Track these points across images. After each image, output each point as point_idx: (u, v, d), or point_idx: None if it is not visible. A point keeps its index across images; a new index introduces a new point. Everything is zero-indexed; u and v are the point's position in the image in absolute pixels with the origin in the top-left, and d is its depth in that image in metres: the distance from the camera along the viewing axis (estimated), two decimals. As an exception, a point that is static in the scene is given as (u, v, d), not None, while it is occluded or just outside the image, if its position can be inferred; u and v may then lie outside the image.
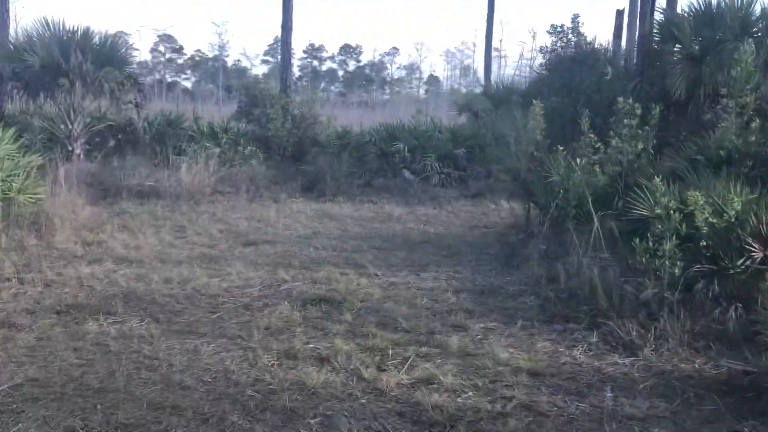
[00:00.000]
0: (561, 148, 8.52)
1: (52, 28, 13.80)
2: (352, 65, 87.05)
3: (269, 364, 4.77)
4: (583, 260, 6.82)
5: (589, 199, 7.44)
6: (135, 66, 15.19)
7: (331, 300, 6.31)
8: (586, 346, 5.31)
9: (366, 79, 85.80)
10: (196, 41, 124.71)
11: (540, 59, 19.11)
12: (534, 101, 10.39)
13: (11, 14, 18.66)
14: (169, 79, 75.53)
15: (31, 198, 9.13)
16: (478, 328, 5.67)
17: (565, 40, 16.04)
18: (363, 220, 10.94)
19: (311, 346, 5.15)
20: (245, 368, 4.70)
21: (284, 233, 9.63)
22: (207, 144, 14.16)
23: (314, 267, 7.61)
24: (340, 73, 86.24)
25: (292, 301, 6.30)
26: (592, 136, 8.59)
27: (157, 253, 8.10)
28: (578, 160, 8.35)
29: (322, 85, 77.64)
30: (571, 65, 16.31)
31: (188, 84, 78.99)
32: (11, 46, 13.86)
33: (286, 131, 14.55)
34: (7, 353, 4.81)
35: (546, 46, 16.37)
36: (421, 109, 21.14)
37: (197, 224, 10.00)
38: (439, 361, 4.93)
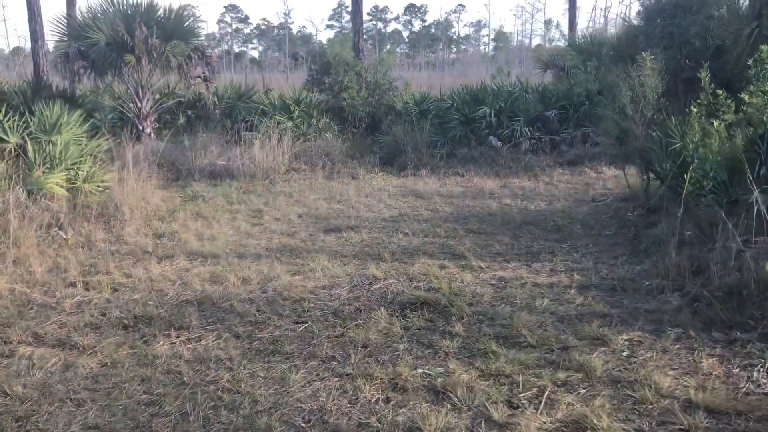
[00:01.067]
0: (693, 108, 7.18)
1: (115, 3, 13.17)
2: (417, 25, 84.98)
3: (373, 400, 3.86)
4: (738, 247, 5.57)
5: (747, 171, 6.12)
6: (203, 38, 14.41)
7: (434, 304, 5.35)
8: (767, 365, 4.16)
9: (432, 38, 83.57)
10: (261, 10, 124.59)
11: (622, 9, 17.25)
12: (644, 54, 9.01)
13: (77, -9, 18.28)
14: (237, 50, 75.75)
15: (99, 187, 8.54)
16: (622, 341, 4.58)
17: (667, -17, 14.25)
18: (452, 196, 9.90)
19: (420, 371, 4.21)
20: (345, 406, 3.81)
21: (368, 216, 8.71)
22: (279, 118, 13.34)
23: (407, 259, 6.66)
24: (405, 34, 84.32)
25: (388, 305, 5.38)
26: (721, 92, 7.20)
27: (233, 245, 7.33)
28: (714, 123, 7.01)
29: (387, 47, 76.00)
30: (673, 11, 14.57)
31: (255, 53, 79.14)
32: (76, 25, 13.33)
33: (362, 100, 13.53)
34: (66, 386, 4.09)
35: (645, -9, 14.65)
36: (502, 67, 19.71)
37: (274, 207, 9.21)
38: (584, 392, 3.91)
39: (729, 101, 7.07)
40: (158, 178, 10.41)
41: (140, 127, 13.41)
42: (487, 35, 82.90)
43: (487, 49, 79.09)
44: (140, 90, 13.38)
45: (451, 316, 5.09)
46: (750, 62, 7.15)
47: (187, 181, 11.05)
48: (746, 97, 6.92)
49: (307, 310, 5.34)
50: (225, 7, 76.08)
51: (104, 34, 12.82)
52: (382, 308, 5.27)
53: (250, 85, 15.93)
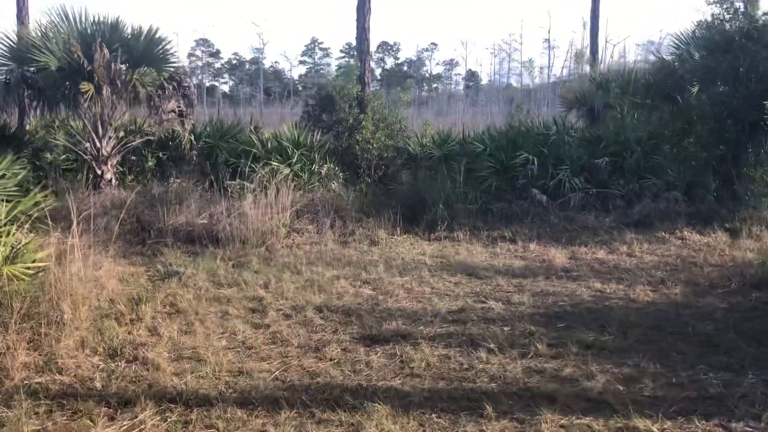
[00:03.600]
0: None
1: (70, 18, 10.60)
2: (389, 62, 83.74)
3: None
4: None
5: None
6: (179, 63, 11.85)
7: None
8: None
9: (404, 76, 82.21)
10: (232, 44, 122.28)
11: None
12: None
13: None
14: (207, 84, 73.30)
15: (28, 270, 5.86)
16: None
17: (731, 11, 12.25)
18: (516, 275, 7.42)
19: None
20: None
21: (415, 309, 6.17)
22: (275, 164, 10.78)
23: (520, 409, 4.11)
24: (378, 71, 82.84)
25: None
26: None
27: (228, 372, 4.70)
28: None
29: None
30: (743, 44, 12.52)
31: (225, 88, 76.77)
32: (21, 46, 10.67)
33: (377, 142, 11.07)
34: None
35: (703, 20, 12.61)
36: (521, 106, 17.51)
37: (280, 295, 6.61)
38: None
39: None
40: (118, 247, 7.76)
41: (99, 172, 10.75)
42: (459, 74, 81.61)
43: (458, 88, 77.86)
44: (100, 126, 10.75)
45: None
46: None
47: (158, 248, 8.38)
48: None
49: None
50: (196, 41, 73.76)
51: (55, 56, 10.21)
52: None
53: (233, 121, 13.35)
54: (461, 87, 77.29)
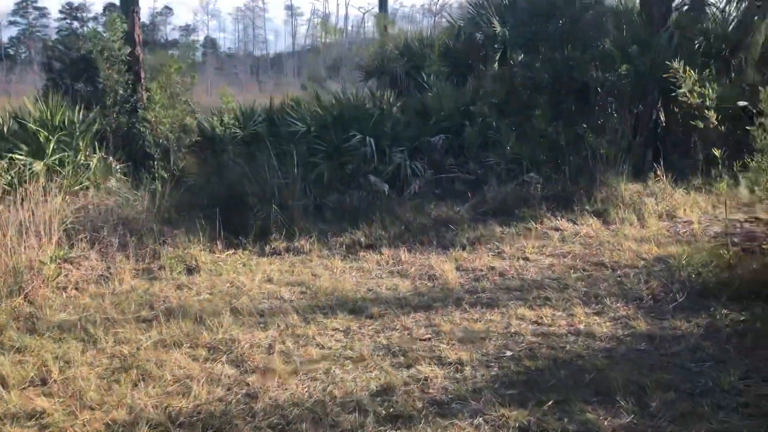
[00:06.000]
0: None
1: None
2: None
3: None
4: None
5: None
6: None
7: None
8: None
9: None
10: None
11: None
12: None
13: None
14: None
15: None
16: None
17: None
18: (414, 306, 5.45)
19: None
20: None
21: (319, 398, 3.89)
22: (18, 155, 7.36)
23: None
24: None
25: None
26: None
27: None
28: None
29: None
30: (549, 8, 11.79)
31: None
32: None
33: (175, 121, 8.14)
34: None
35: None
36: (320, 71, 15.40)
37: (74, 400, 3.84)
38: None
39: None
40: None
41: None
42: (197, 41, 75.99)
43: (197, 55, 72.71)
44: None
45: None
46: None
47: None
48: None
49: None
50: None
51: None
52: None
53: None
54: (199, 54, 72.02)
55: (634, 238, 7.34)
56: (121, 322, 5.01)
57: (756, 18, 10.33)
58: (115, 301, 5.46)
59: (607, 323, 5.01)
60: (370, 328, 5.00)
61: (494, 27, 12.62)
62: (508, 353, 4.51)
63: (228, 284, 6.00)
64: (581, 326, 4.96)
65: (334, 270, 6.44)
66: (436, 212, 8.36)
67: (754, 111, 11.57)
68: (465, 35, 13.46)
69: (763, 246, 6.54)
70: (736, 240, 6.93)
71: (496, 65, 13.17)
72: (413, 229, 7.77)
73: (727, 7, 11.12)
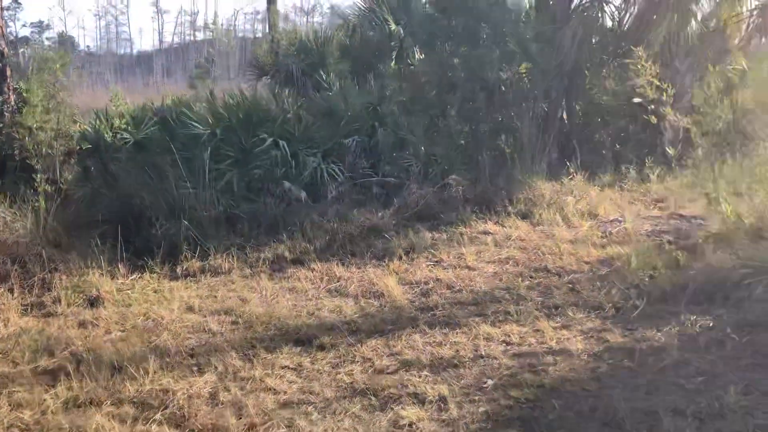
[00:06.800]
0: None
1: None
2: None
3: None
4: None
5: None
6: None
7: None
8: None
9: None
10: None
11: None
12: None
13: None
14: None
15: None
16: None
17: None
18: (366, 331, 4.84)
19: None
20: None
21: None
22: None
23: None
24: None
25: None
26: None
27: None
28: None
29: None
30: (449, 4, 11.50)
31: None
32: None
33: (60, 127, 6.94)
34: None
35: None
36: (208, 68, 14.28)
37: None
38: None
39: None
40: None
41: None
42: (51, 38, 70.21)
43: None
44: None
45: None
46: None
47: None
48: None
49: None
50: None
51: None
52: None
53: None
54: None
55: (568, 240, 7.15)
56: (14, 378, 4.03)
57: (655, 16, 10.59)
58: (2, 349, 4.43)
59: (579, 338, 4.66)
60: (324, 362, 4.34)
61: (389, 25, 12.27)
62: (490, 382, 4.02)
63: (142, 317, 5.10)
64: (553, 343, 4.58)
65: (264, 292, 5.68)
66: (358, 219, 7.77)
67: (648, 108, 12.05)
68: (359, 33, 13.04)
69: (700, 242, 6.54)
70: (670, 239, 6.93)
71: (393, 64, 12.87)
72: (340, 239, 7.14)
73: (625, 5, 11.33)
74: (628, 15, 11.19)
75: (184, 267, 6.24)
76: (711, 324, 4.73)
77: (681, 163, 10.58)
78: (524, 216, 8.10)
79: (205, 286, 5.87)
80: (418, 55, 12.41)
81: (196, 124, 8.44)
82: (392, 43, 12.54)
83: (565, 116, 11.55)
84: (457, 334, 4.77)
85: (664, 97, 6.43)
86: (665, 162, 10.34)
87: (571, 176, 9.29)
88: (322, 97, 10.91)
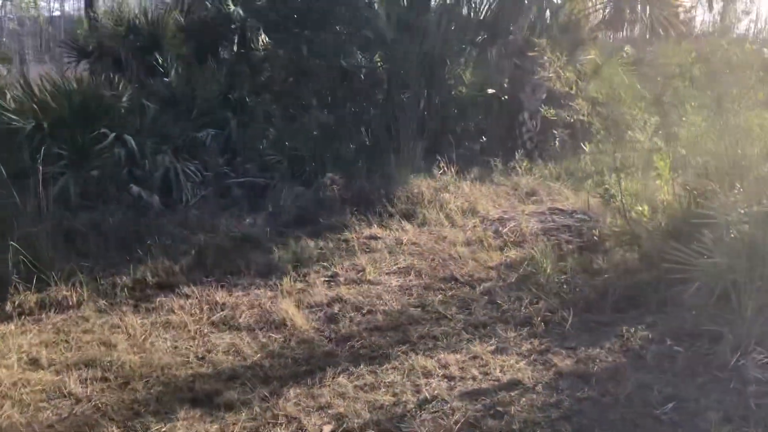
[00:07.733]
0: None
1: None
2: None
3: None
4: None
5: None
6: None
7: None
8: None
9: None
10: None
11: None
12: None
13: None
14: None
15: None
16: None
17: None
18: (277, 375, 3.96)
19: None
20: None
21: None
22: None
23: None
24: None
25: None
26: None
27: None
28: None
29: None
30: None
31: None
32: None
33: None
34: None
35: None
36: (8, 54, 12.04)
37: None
38: None
39: None
40: None
41: None
42: None
43: None
44: None
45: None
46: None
47: None
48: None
49: None
50: None
51: None
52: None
53: None
54: None
55: (462, 242, 6.72)
56: None
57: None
58: None
59: (522, 364, 4.15)
60: (239, 429, 3.40)
61: (228, 6, 11.15)
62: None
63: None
64: (499, 374, 4.02)
65: (132, 332, 4.51)
66: (227, 228, 6.73)
67: (501, 98, 12.07)
68: (194, 14, 11.76)
69: (594, 239, 6.40)
70: (566, 238, 6.73)
71: (235, 47, 11.82)
72: (210, 254, 6.06)
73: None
74: (487, 4, 11.07)
75: (16, 303, 4.84)
76: (649, 335, 4.46)
77: (542, 155, 10.70)
78: (407, 216, 7.54)
79: (50, 328, 4.56)
80: (265, 39, 11.36)
81: (12, 116, 6.81)
82: (233, 26, 11.43)
83: (425, 108, 11.19)
84: (387, 371, 4.04)
85: (573, 91, 6.13)
86: (527, 155, 10.37)
87: (442, 171, 8.91)
88: (162, 84, 9.58)
